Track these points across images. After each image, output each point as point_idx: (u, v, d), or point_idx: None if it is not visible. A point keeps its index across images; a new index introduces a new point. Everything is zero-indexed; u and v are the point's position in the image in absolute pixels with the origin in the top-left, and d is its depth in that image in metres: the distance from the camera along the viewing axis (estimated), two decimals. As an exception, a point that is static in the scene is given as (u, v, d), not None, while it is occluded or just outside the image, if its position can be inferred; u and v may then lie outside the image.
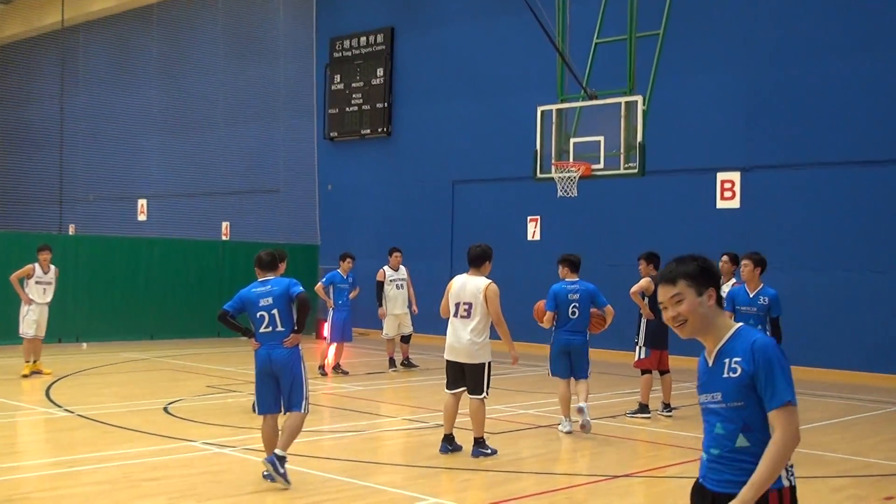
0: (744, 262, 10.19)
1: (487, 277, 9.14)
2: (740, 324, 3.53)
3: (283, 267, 8.39)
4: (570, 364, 10.51)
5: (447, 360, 9.19)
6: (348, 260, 15.58)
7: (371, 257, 20.64)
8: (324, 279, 15.69)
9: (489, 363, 9.07)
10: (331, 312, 15.43)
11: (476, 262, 9.13)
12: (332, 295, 15.40)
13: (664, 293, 3.51)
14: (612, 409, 12.20)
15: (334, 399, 13.03)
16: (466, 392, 9.11)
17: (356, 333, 21.79)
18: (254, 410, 8.24)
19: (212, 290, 21.32)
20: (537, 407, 12.32)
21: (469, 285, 9.09)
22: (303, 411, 7.83)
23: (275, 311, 7.86)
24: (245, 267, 21.21)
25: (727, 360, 3.42)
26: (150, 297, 20.98)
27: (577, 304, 10.42)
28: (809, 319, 15.91)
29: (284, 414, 7.89)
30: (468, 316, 9.02)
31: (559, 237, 19.31)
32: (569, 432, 10.33)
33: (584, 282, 10.61)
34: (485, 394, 9.04)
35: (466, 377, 9.06)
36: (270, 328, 7.87)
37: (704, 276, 3.49)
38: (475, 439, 9.10)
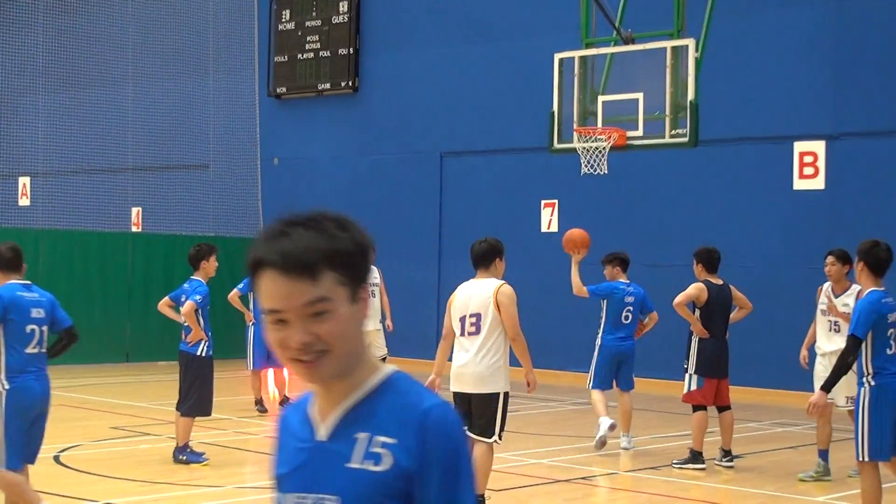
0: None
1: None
2: (392, 368, 2.62)
3: (24, 267, 8.12)
4: (616, 374, 12.31)
5: (454, 393, 9.05)
6: None
7: (332, 255, 20.56)
8: (240, 285, 15.26)
9: (505, 394, 8.91)
10: (251, 329, 15.19)
11: (482, 261, 9.08)
12: (251, 306, 15.27)
13: (290, 295, 2.39)
14: (654, 459, 12.22)
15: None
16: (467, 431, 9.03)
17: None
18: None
19: (118, 297, 21.23)
20: (553, 455, 12.33)
21: (477, 292, 8.99)
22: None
23: (45, 328, 7.90)
24: (163, 267, 21.23)
25: (361, 436, 2.47)
26: (36, 308, 20.89)
27: (632, 309, 12.29)
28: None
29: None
30: (476, 332, 8.89)
31: (583, 227, 19.28)
32: (612, 426, 11.79)
33: (636, 284, 12.64)
34: (496, 437, 8.88)
35: (473, 412, 8.87)
36: (38, 349, 7.87)
37: (361, 263, 2.50)
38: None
